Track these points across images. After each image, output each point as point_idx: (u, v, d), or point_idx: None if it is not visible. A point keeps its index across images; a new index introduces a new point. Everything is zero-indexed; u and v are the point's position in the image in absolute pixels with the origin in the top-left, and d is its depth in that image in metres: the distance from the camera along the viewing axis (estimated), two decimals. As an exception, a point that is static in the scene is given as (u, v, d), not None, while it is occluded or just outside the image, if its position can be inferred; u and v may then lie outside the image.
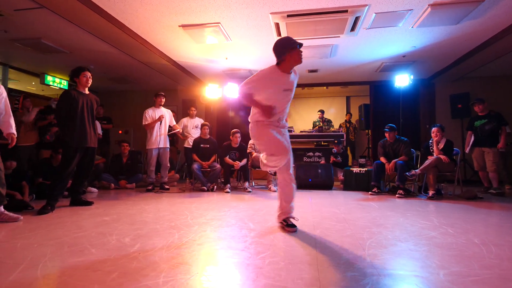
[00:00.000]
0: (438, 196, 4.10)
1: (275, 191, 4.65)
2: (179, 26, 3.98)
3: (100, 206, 3.31)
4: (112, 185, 4.95)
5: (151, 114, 4.73)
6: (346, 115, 8.20)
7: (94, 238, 2.04)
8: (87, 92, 3.34)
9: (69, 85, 6.47)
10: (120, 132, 7.73)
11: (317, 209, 3.19)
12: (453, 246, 1.90)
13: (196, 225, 2.43)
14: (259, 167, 5.21)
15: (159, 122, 4.70)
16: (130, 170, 5.26)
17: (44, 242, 1.93)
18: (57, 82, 6.38)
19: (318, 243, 1.96)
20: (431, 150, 4.36)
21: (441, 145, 4.26)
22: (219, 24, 3.89)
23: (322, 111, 7.54)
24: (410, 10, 3.51)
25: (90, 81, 3.33)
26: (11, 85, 6.26)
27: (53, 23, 3.91)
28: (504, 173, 5.20)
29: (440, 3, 3.34)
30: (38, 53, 5.02)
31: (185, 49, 4.89)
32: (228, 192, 4.51)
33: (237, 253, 1.75)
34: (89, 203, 3.33)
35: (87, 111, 3.24)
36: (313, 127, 7.45)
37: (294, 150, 6.60)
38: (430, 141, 4.43)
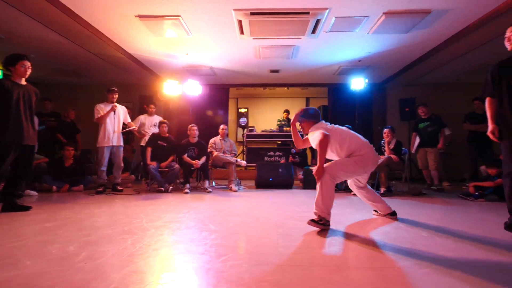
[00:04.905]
0: (389, 193, 4.39)
1: (236, 191, 4.59)
2: (136, 16, 3.72)
3: (42, 211, 2.95)
4: (55, 187, 4.43)
5: (103, 108, 4.36)
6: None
7: (32, 248, 1.79)
8: (24, 83, 2.95)
9: (4, 74, 5.72)
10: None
11: (280, 208, 3.20)
12: (406, 239, 2.02)
13: (152, 228, 2.27)
14: (220, 167, 5.17)
15: (112, 117, 4.35)
16: (74, 175, 4.69)
17: (-35, 256, 1.65)
18: (-12, 70, 5.59)
19: (282, 242, 1.95)
20: (383, 150, 4.65)
21: (391, 145, 4.56)
22: (180, 17, 3.72)
23: (287, 111, 7.59)
24: (367, 16, 3.70)
25: (29, 71, 2.95)
26: None
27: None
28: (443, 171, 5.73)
29: (393, 11, 3.56)
30: (-36, 36, 4.35)
31: (142, 41, 4.60)
32: (187, 192, 4.34)
33: (196, 257, 1.66)
34: (27, 208, 2.94)
35: (24, 104, 2.86)
36: (277, 125, 7.44)
37: (255, 149, 6.66)
38: (382, 141, 4.72)
